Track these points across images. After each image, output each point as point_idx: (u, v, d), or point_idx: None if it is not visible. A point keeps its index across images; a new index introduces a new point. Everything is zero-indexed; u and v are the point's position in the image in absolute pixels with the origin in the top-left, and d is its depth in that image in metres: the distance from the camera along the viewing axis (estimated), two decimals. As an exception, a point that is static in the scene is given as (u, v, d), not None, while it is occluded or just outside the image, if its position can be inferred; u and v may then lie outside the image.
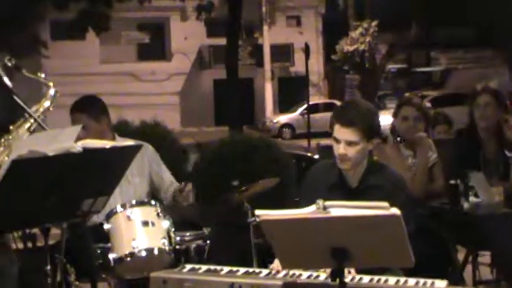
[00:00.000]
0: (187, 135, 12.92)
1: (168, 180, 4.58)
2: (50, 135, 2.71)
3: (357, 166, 3.50)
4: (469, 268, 4.94)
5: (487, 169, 4.69)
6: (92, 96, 4.68)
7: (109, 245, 3.87)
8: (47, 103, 2.97)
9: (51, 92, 3.00)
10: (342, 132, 3.42)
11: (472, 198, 4.44)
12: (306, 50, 19.91)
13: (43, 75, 3.00)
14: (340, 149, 3.43)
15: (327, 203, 2.74)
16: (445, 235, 4.69)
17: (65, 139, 2.61)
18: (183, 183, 4.44)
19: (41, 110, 2.94)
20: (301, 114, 25.97)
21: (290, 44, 30.09)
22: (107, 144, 2.71)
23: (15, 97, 2.92)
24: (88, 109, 4.37)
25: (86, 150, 2.56)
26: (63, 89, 3.06)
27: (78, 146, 2.54)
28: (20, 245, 5.43)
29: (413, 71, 32.94)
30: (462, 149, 4.86)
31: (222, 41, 19.42)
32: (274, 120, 27.20)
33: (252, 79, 28.99)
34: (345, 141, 3.41)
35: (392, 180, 3.53)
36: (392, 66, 31.97)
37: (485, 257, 5.09)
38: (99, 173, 2.67)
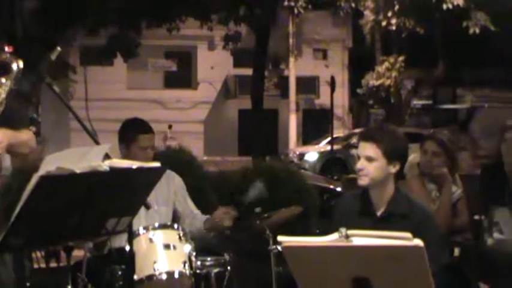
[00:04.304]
0: (211, 163, 12.94)
1: (191, 211, 4.60)
2: (79, 153, 2.76)
3: (377, 186, 3.49)
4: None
5: (512, 205, 4.65)
6: None
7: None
8: None
9: None
10: (362, 147, 3.48)
11: (496, 235, 4.40)
12: (332, 83, 19.94)
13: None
14: (358, 164, 3.48)
15: (350, 231, 2.73)
16: (468, 271, 4.63)
17: (93, 157, 2.65)
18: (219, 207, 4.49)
19: None
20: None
21: (316, 76, 30.18)
22: (133, 164, 2.75)
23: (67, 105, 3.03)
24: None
25: (113, 169, 2.60)
26: (89, 113, 3.12)
27: (105, 165, 2.58)
28: (43, 264, 5.48)
29: (439, 108, 32.78)
30: (488, 183, 4.83)
31: (248, 71, 19.55)
32: (297, 152, 27.15)
33: (277, 110, 29.06)
34: (365, 157, 3.45)
35: (421, 212, 3.51)
36: (417, 102, 31.82)
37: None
38: (125, 193, 2.71)
